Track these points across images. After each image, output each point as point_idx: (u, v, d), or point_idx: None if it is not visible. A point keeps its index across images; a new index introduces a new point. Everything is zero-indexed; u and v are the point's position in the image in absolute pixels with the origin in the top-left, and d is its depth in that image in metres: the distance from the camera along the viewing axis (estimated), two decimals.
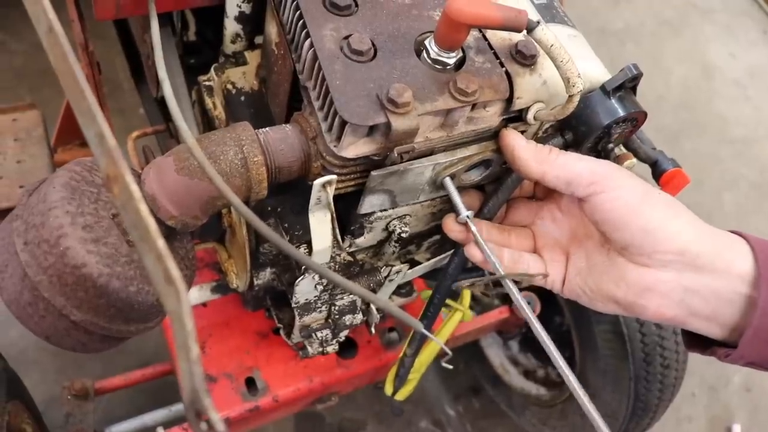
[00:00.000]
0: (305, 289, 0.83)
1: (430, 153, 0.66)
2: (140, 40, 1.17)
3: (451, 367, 0.89)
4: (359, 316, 0.95)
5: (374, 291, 0.91)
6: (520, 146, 0.66)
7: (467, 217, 0.69)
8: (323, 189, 0.64)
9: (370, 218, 0.73)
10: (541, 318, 1.49)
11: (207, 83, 0.85)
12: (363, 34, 0.62)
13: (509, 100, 0.64)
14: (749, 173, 2.59)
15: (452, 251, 0.78)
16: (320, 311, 0.90)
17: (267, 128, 0.65)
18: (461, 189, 0.71)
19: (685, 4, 3.15)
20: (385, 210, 0.73)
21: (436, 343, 0.77)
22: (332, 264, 0.79)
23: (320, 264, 0.75)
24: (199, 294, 1.22)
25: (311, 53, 0.61)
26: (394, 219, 0.75)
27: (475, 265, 0.72)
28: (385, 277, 0.87)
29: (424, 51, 0.62)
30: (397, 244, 0.80)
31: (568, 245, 0.70)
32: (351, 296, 0.91)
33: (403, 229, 0.76)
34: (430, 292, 0.84)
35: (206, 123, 0.90)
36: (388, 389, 1.12)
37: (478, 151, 0.68)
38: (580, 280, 0.68)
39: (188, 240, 0.73)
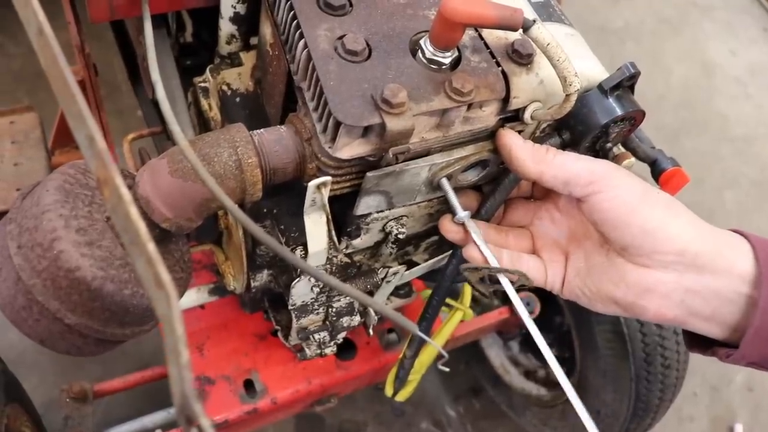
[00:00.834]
0: (301, 291, 0.83)
1: (426, 153, 0.66)
2: (136, 41, 1.16)
3: (447, 369, 0.88)
4: (357, 318, 0.94)
5: (371, 293, 0.90)
6: (517, 146, 0.65)
7: (464, 217, 0.68)
8: (318, 190, 0.63)
9: (366, 219, 0.73)
10: (542, 318, 1.49)
11: (202, 84, 0.85)
12: (357, 34, 0.61)
13: (506, 100, 0.64)
14: (750, 171, 2.58)
15: (450, 252, 0.78)
16: (317, 313, 0.90)
17: (261, 129, 0.64)
18: (458, 190, 0.71)
19: (685, 2, 3.14)
20: (381, 211, 0.72)
21: (435, 346, 0.76)
22: (329, 266, 0.79)
23: (314, 266, 0.75)
24: (196, 296, 1.21)
25: (305, 54, 0.61)
26: (390, 220, 0.75)
27: None
28: (383, 279, 0.86)
29: (420, 51, 0.62)
30: (394, 246, 0.79)
31: (567, 245, 0.70)
32: (348, 298, 0.90)
33: (400, 230, 0.76)
34: (429, 292, 0.83)
35: (202, 125, 0.89)
36: (388, 391, 1.12)
37: (474, 151, 0.68)
38: (579, 280, 0.67)
39: (184, 242, 0.72)
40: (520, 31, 0.59)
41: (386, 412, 1.76)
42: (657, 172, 0.74)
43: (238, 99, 0.82)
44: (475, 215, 0.72)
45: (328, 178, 0.63)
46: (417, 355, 0.95)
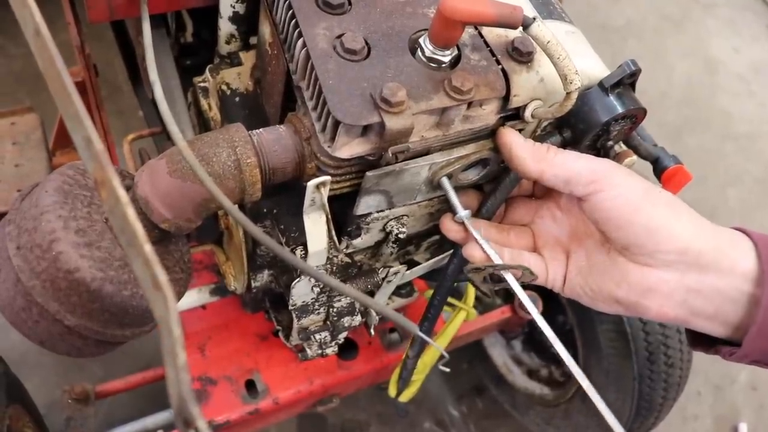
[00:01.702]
0: (302, 291, 0.83)
1: (426, 153, 0.65)
2: (136, 41, 1.16)
3: (448, 370, 0.88)
4: (358, 318, 0.94)
5: (372, 293, 0.90)
6: (517, 145, 0.65)
7: (465, 216, 0.68)
8: (317, 190, 0.63)
9: (366, 219, 0.73)
10: (544, 317, 1.49)
11: (202, 84, 0.84)
12: (356, 32, 0.61)
13: (506, 98, 0.63)
14: (753, 169, 2.57)
15: (452, 251, 0.77)
16: (318, 313, 0.90)
17: (260, 129, 0.64)
18: (459, 189, 0.70)
19: None
20: (381, 211, 0.72)
21: (435, 346, 0.76)
22: (329, 266, 0.79)
23: (314, 267, 0.75)
24: (198, 296, 1.21)
25: (304, 53, 0.60)
26: (391, 220, 0.75)
27: None
28: (384, 279, 0.86)
29: (419, 49, 0.62)
30: (395, 245, 0.79)
31: (569, 244, 0.69)
32: (349, 298, 0.90)
33: (400, 229, 0.75)
34: (432, 291, 0.83)
35: (202, 125, 0.89)
36: (392, 391, 1.12)
37: (475, 150, 0.67)
38: (580, 279, 0.67)
39: (183, 243, 0.72)
40: (520, 28, 0.59)
41: (389, 412, 1.76)
42: (659, 170, 0.73)
43: (237, 99, 0.82)
44: (476, 214, 0.72)
45: (328, 178, 0.62)
46: (420, 355, 0.94)
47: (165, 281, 0.38)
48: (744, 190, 2.50)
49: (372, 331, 0.99)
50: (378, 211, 0.72)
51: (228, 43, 0.82)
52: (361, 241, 0.77)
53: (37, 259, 0.59)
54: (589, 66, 0.68)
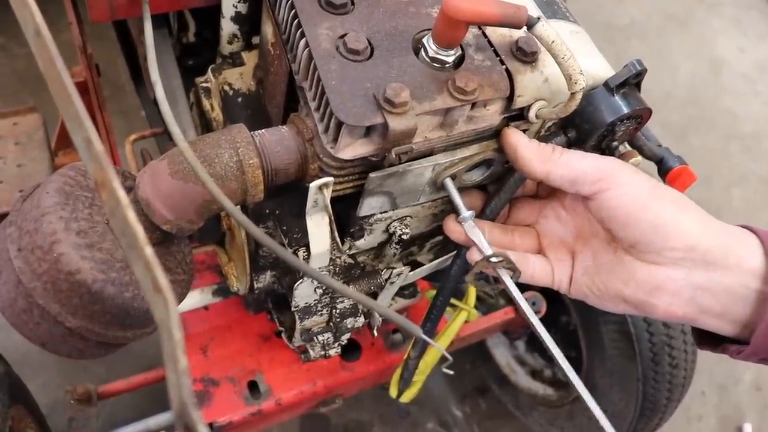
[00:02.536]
0: (305, 292, 0.82)
1: (429, 153, 0.65)
2: (138, 41, 1.16)
3: (452, 372, 0.88)
4: (361, 319, 0.94)
5: (376, 294, 0.89)
6: (522, 145, 0.64)
7: (467, 217, 0.67)
8: (320, 191, 0.63)
9: (369, 220, 0.72)
10: (548, 318, 1.49)
11: (204, 85, 0.84)
12: (359, 32, 0.61)
13: (510, 99, 0.63)
14: (758, 168, 2.56)
15: (455, 252, 0.77)
16: (321, 314, 0.89)
17: (263, 130, 0.64)
18: (463, 189, 0.70)
19: None
20: (385, 212, 0.72)
21: (440, 350, 0.76)
22: (332, 267, 0.78)
23: (318, 268, 0.74)
24: (200, 297, 1.21)
25: (307, 53, 0.60)
26: (394, 221, 0.74)
27: None
28: (386, 280, 0.86)
29: (422, 49, 0.61)
30: (398, 246, 0.78)
31: (574, 244, 0.69)
32: (352, 299, 0.90)
33: (403, 230, 0.75)
34: (434, 292, 0.83)
35: (204, 125, 0.89)
36: (393, 392, 1.11)
37: (479, 150, 0.67)
38: (587, 279, 0.66)
39: (186, 244, 0.72)
40: (525, 28, 0.58)
41: (392, 413, 1.76)
42: (664, 170, 0.73)
43: (240, 99, 0.81)
44: (480, 215, 0.71)
45: (331, 179, 0.62)
46: (421, 356, 0.94)
47: (165, 284, 0.37)
48: (749, 190, 2.49)
49: (375, 333, 0.98)
50: (381, 213, 0.71)
51: (230, 43, 0.82)
52: (364, 243, 0.76)
53: (38, 261, 0.59)
54: (594, 66, 0.67)
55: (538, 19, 0.58)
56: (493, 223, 0.72)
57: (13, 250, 0.60)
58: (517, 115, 0.66)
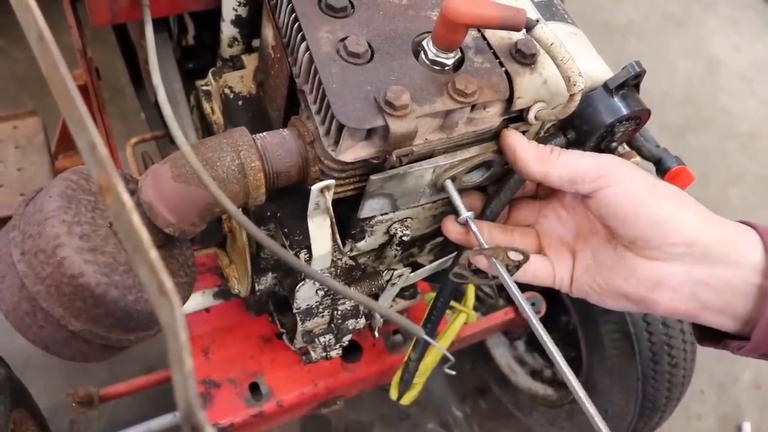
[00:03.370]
0: (306, 294, 0.83)
1: (429, 155, 0.65)
2: (138, 44, 1.16)
3: (453, 372, 0.88)
4: (362, 321, 0.94)
5: (377, 295, 0.90)
6: (521, 147, 0.65)
7: (467, 217, 0.68)
8: (321, 194, 0.63)
9: (370, 222, 0.72)
10: (547, 318, 1.49)
11: (205, 88, 0.84)
12: (359, 36, 0.61)
13: (509, 101, 0.63)
14: (755, 167, 2.57)
15: (455, 253, 0.77)
16: (322, 316, 0.90)
17: (264, 133, 0.64)
18: (463, 191, 0.70)
19: None
20: (385, 213, 0.72)
21: (443, 351, 0.76)
22: (333, 269, 0.79)
23: (319, 270, 0.74)
24: (201, 299, 1.21)
25: (307, 56, 0.60)
26: (395, 222, 0.74)
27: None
28: (388, 281, 0.86)
29: (422, 52, 0.62)
30: (398, 248, 0.79)
31: (574, 243, 0.69)
32: (353, 300, 0.90)
33: (404, 232, 0.75)
34: (434, 294, 0.83)
35: (205, 128, 0.89)
36: (393, 394, 1.12)
37: (478, 152, 0.67)
38: (588, 277, 0.67)
39: (188, 246, 0.72)
40: (524, 31, 0.59)
41: (392, 414, 1.76)
42: (662, 170, 0.73)
43: (240, 102, 0.82)
44: (480, 216, 0.72)
45: (332, 182, 0.62)
46: (422, 358, 0.94)
47: (171, 287, 0.38)
48: (746, 189, 2.50)
49: (376, 334, 0.99)
50: (382, 214, 0.72)
51: (230, 46, 0.82)
52: (365, 244, 0.77)
53: (41, 265, 0.59)
54: (593, 67, 0.67)
55: (537, 21, 0.58)
56: (493, 223, 0.72)
57: (16, 253, 0.60)
58: (516, 117, 0.67)
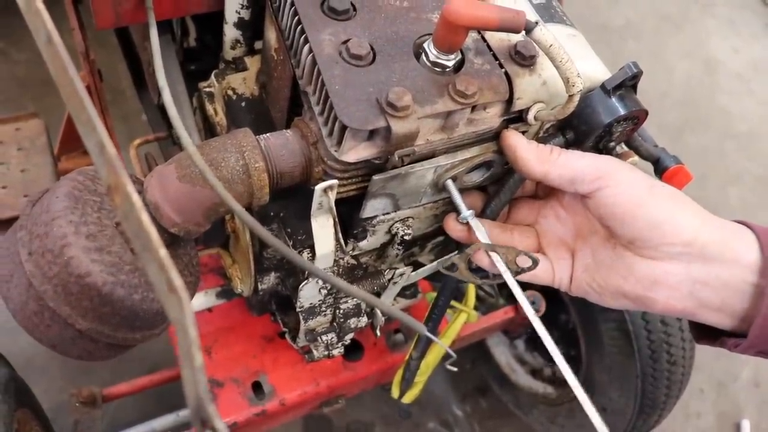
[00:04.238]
0: (309, 293, 0.83)
1: (431, 156, 0.66)
2: (141, 47, 1.17)
3: (456, 369, 0.89)
4: (364, 319, 0.95)
5: (378, 294, 0.91)
6: (521, 147, 0.66)
7: (468, 216, 0.69)
8: (325, 194, 0.64)
9: (372, 222, 0.73)
10: (547, 316, 1.50)
11: (207, 89, 0.85)
12: (361, 38, 0.62)
13: (509, 101, 0.64)
14: (754, 167, 2.58)
15: (456, 252, 0.78)
16: (325, 315, 0.90)
17: (268, 134, 0.65)
18: (463, 190, 0.71)
19: None
20: (387, 213, 0.73)
21: (445, 348, 0.77)
22: (336, 268, 0.79)
23: (322, 269, 0.75)
24: (204, 299, 1.22)
25: (310, 58, 0.61)
26: (396, 222, 0.75)
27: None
28: (389, 280, 0.87)
29: (423, 54, 0.62)
30: (400, 247, 0.80)
31: (573, 242, 0.70)
32: (355, 299, 0.91)
33: (406, 231, 0.76)
34: (435, 294, 0.84)
35: (208, 129, 0.90)
36: (395, 392, 1.13)
37: (479, 152, 0.68)
38: (587, 276, 0.68)
39: (192, 246, 0.73)
40: (523, 33, 0.60)
41: (393, 413, 1.76)
42: (660, 170, 0.74)
43: (243, 103, 0.83)
44: (481, 215, 0.73)
45: (335, 182, 0.63)
46: (423, 356, 0.95)
47: (180, 285, 0.39)
48: (745, 189, 2.51)
49: (378, 332, 0.99)
50: (384, 214, 0.73)
51: (233, 48, 0.83)
52: (367, 244, 0.77)
53: (48, 264, 0.60)
54: (591, 68, 0.68)
55: (536, 23, 0.59)
56: (494, 222, 0.73)
57: (23, 253, 0.61)
58: (516, 118, 0.68)
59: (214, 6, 0.80)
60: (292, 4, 0.64)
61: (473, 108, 0.63)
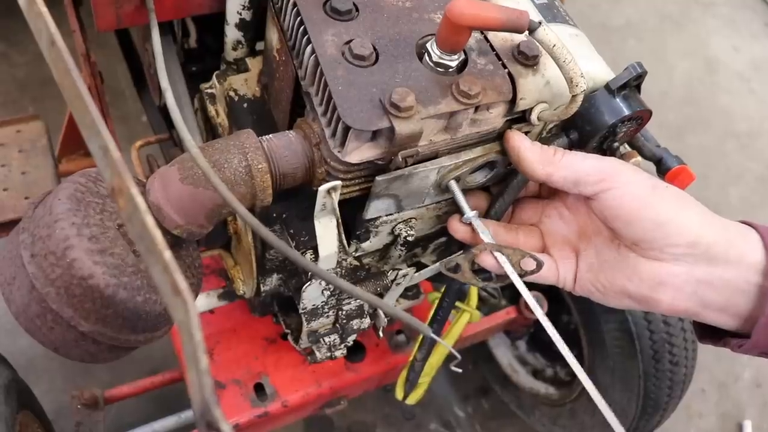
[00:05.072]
0: (312, 294, 0.83)
1: (434, 156, 0.66)
2: (141, 48, 1.17)
3: (460, 371, 0.89)
4: (367, 320, 0.95)
5: (381, 295, 0.90)
6: (525, 148, 0.66)
7: (472, 217, 0.68)
8: (328, 195, 0.64)
9: (375, 222, 0.73)
10: (549, 317, 1.49)
11: (209, 91, 0.85)
12: (364, 38, 0.62)
13: (512, 102, 0.64)
14: (755, 167, 2.57)
15: (459, 253, 0.78)
16: (328, 316, 0.90)
17: (270, 135, 0.65)
18: (467, 191, 0.71)
19: None
20: (390, 214, 0.73)
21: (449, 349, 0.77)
22: (338, 269, 0.79)
23: (326, 270, 0.75)
24: (206, 301, 1.22)
25: (313, 59, 0.61)
26: (399, 223, 0.75)
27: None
28: (392, 281, 0.87)
29: (426, 54, 0.62)
30: (403, 248, 0.80)
31: (577, 242, 0.70)
32: (358, 301, 0.91)
33: (408, 232, 0.76)
34: (437, 294, 0.84)
35: (209, 130, 0.90)
36: (399, 394, 1.12)
37: (482, 153, 0.68)
38: (591, 276, 0.68)
39: (194, 248, 0.73)
40: (526, 33, 0.60)
41: (395, 414, 1.76)
42: (663, 170, 0.74)
43: (245, 105, 0.82)
44: (485, 216, 0.72)
45: (338, 183, 0.63)
46: (427, 357, 0.95)
47: (185, 287, 0.38)
48: (746, 189, 2.50)
49: (381, 334, 0.99)
50: (387, 215, 0.72)
51: (234, 49, 0.83)
52: (370, 244, 0.77)
53: (51, 267, 0.60)
54: (594, 68, 0.68)
55: (540, 23, 0.59)
56: (497, 222, 0.73)
57: (26, 256, 0.61)
58: (519, 118, 0.67)
59: (215, 7, 0.80)
60: (295, 5, 0.64)
61: (476, 108, 0.62)
